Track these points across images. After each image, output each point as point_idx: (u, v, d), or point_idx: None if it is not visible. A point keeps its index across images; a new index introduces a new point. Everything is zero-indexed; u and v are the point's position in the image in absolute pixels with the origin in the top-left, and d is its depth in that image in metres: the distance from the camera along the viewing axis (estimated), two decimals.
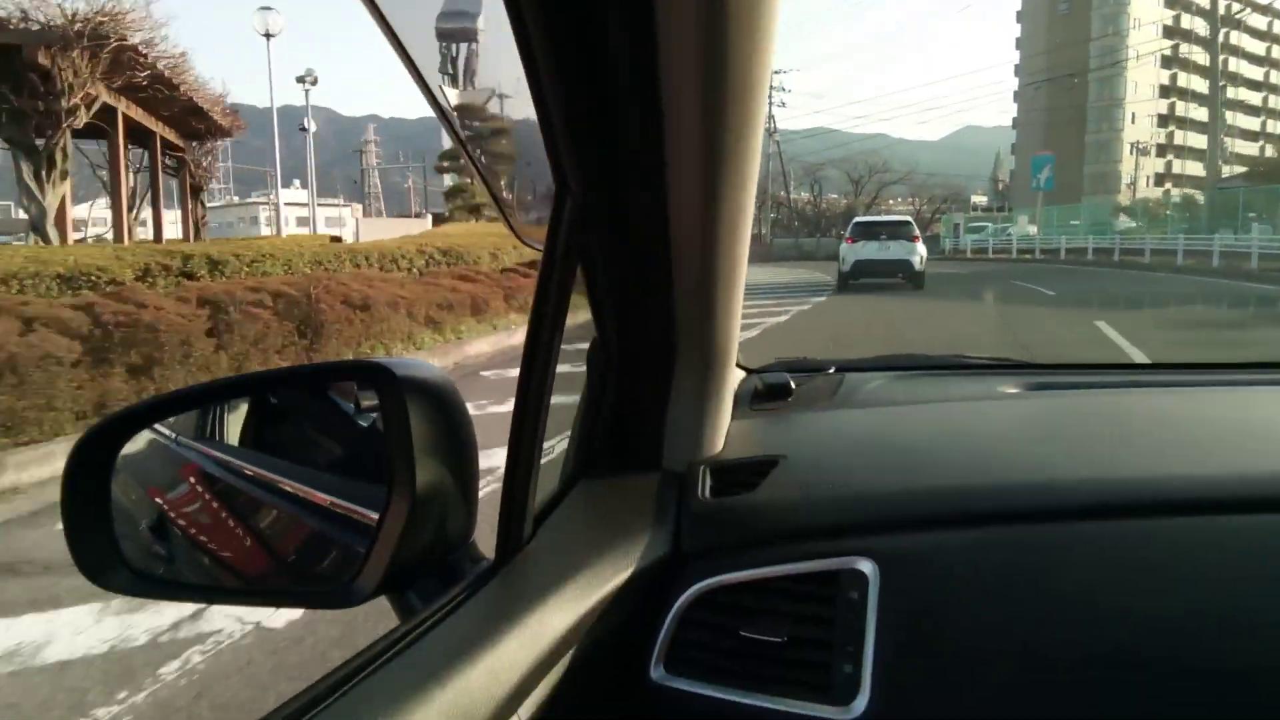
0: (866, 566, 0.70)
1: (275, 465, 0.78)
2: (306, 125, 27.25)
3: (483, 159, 0.75)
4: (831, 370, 1.27)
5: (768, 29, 0.54)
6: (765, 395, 1.13)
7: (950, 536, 0.72)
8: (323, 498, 0.72)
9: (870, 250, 16.27)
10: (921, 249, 16.34)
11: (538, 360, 0.66)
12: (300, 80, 23.84)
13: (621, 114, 0.62)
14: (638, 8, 0.52)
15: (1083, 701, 0.61)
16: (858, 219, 18.69)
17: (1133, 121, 63.05)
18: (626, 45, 0.56)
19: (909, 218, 18.56)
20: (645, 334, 0.84)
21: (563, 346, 0.68)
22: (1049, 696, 0.62)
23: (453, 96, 0.68)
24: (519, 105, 0.61)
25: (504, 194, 0.79)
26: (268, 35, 19.13)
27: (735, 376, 1.08)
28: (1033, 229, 38.21)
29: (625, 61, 0.57)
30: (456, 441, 0.65)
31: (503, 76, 0.63)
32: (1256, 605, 0.62)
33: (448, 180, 30.94)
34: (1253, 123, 66.28)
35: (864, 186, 53.69)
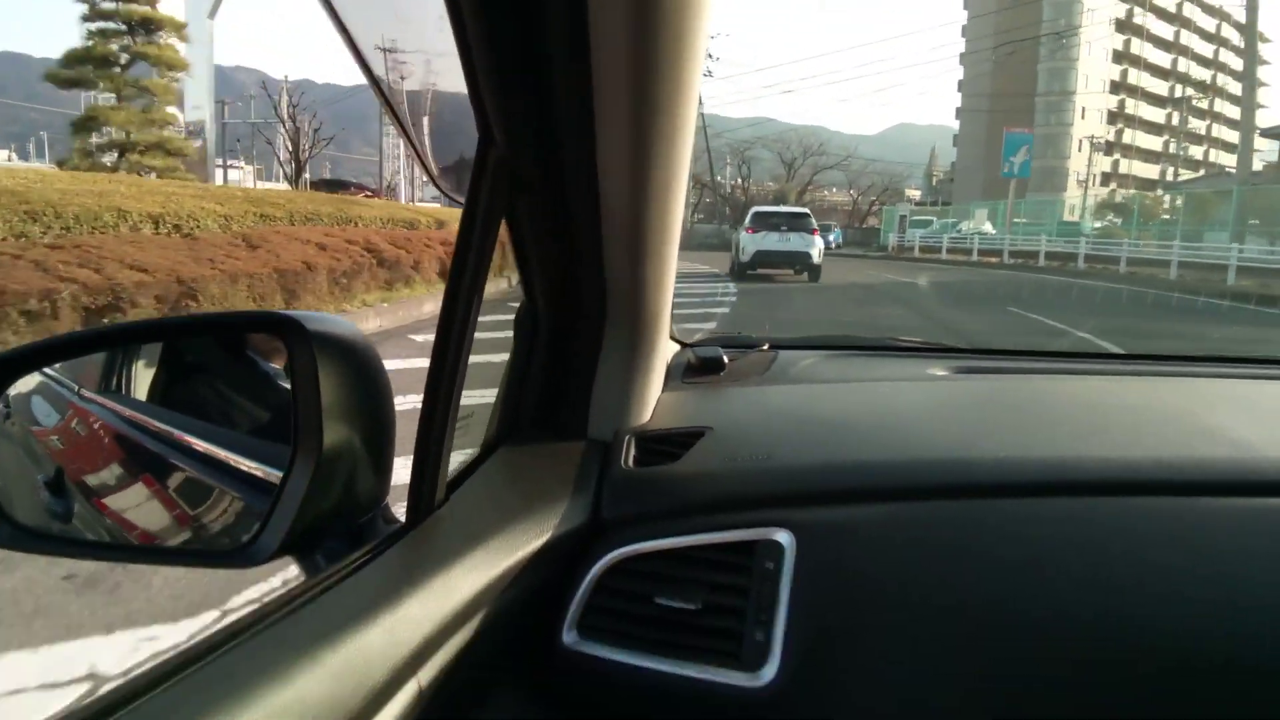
0: (783, 537, 0.70)
1: (186, 423, 0.74)
2: None
3: (404, 108, 0.69)
4: (765, 347, 1.28)
5: None
6: (698, 369, 1.13)
7: (868, 510, 0.73)
8: (233, 458, 0.70)
9: (770, 241, 15.86)
10: (820, 242, 16.24)
11: (455, 320, 0.64)
12: None
13: (550, 63, 0.59)
14: None
15: (988, 671, 0.62)
16: (757, 209, 18.08)
17: (1083, 116, 58.80)
18: None
19: (808, 211, 18.15)
20: (575, 300, 0.84)
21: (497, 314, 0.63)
22: (953, 665, 0.63)
23: (370, 37, 0.58)
24: (445, 50, 0.59)
25: (427, 150, 0.73)
26: None
27: (668, 349, 1.07)
28: (988, 226, 32.59)
29: (555, 7, 0.55)
30: (370, 403, 0.63)
31: (426, 19, 0.60)
32: (1162, 581, 0.64)
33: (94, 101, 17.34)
34: (1199, 125, 63.21)
35: (797, 170, 47.55)
